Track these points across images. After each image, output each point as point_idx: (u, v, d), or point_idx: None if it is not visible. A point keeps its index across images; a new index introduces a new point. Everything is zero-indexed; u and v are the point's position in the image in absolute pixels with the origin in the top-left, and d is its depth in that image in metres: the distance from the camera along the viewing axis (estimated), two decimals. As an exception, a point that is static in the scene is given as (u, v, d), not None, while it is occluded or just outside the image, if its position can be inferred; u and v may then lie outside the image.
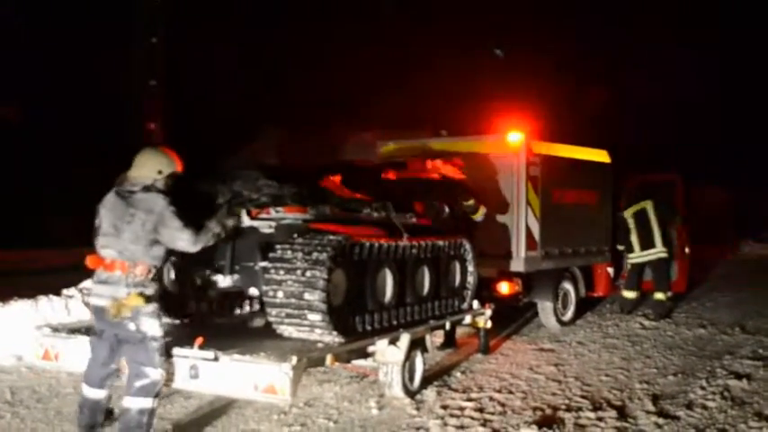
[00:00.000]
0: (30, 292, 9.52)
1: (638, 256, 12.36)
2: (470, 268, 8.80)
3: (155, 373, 5.67)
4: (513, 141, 10.29)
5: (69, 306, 9.17)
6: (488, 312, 9.01)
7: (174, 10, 16.39)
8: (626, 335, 10.92)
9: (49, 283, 10.07)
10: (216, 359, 5.89)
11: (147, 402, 5.64)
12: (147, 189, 5.69)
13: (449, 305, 8.41)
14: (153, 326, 5.70)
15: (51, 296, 9.25)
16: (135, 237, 5.59)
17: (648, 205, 12.33)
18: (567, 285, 11.54)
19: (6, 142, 18.98)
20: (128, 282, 5.60)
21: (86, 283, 9.47)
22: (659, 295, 12.33)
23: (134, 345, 5.68)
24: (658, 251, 12.24)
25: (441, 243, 8.19)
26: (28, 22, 18.17)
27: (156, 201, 5.64)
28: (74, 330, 6.78)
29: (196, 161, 6.40)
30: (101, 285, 5.70)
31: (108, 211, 5.71)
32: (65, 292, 9.64)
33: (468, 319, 8.73)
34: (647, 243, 12.26)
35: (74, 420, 6.49)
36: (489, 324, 9.15)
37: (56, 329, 6.85)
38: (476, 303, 8.87)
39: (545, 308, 11.28)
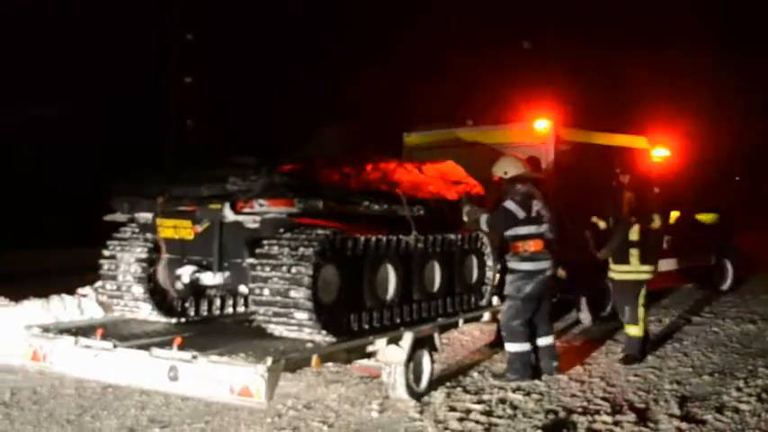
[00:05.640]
0: (46, 290, 9.44)
1: (630, 272, 8.71)
2: (489, 263, 8.39)
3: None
4: (540, 129, 9.81)
5: (83, 305, 9.04)
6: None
7: (208, 4, 16.31)
8: (667, 331, 10.33)
9: (66, 283, 9.97)
10: (193, 360, 5.62)
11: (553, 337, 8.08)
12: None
13: (463, 302, 8.01)
14: None
15: (64, 295, 9.14)
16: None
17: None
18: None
19: (44, 140, 19.18)
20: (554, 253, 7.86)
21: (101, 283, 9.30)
22: (635, 330, 8.68)
23: (546, 300, 7.96)
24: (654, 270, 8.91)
25: (453, 237, 7.79)
26: (63, 20, 18.31)
27: None
28: (63, 331, 6.60)
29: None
30: (546, 261, 7.73)
31: (538, 202, 7.76)
32: (79, 290, 9.53)
33: (486, 316, 8.29)
34: (646, 257, 8.71)
35: (64, 423, 6.36)
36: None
37: (46, 329, 6.67)
38: (495, 299, 8.44)
39: (582, 302, 10.74)
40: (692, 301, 12.74)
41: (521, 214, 7.64)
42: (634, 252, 8.60)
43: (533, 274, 7.71)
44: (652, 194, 8.96)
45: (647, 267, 8.67)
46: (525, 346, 7.74)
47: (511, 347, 7.75)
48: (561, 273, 8.91)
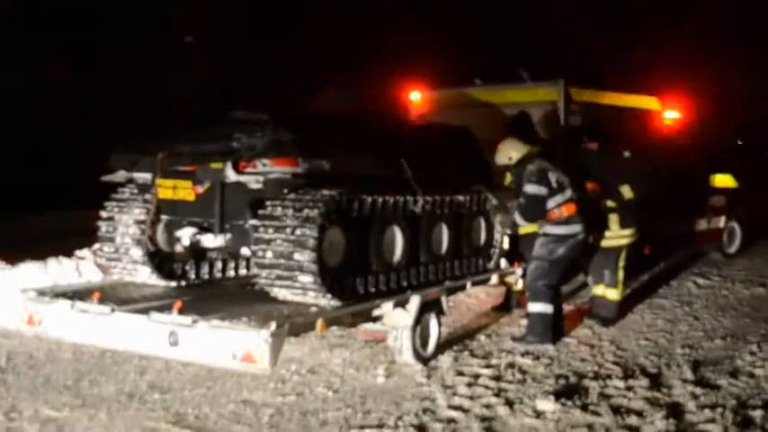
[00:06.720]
0: (45, 254, 9.22)
1: (611, 237, 8.53)
2: (497, 225, 8.19)
3: None
4: (550, 88, 9.56)
5: (81, 268, 8.85)
6: (519, 271, 8.35)
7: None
8: (676, 295, 10.16)
9: (66, 245, 9.74)
10: (194, 324, 5.44)
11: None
12: None
13: (471, 265, 7.82)
14: None
15: (61, 258, 8.94)
16: None
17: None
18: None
19: (55, 101, 18.95)
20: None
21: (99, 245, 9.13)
22: (614, 294, 8.60)
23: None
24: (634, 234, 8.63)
25: (461, 198, 7.57)
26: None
27: None
28: (59, 294, 6.41)
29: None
30: (579, 225, 7.63)
31: (553, 173, 7.63)
32: (77, 253, 9.33)
33: (494, 279, 8.11)
34: (625, 221, 8.51)
35: (61, 389, 6.18)
36: (521, 285, 8.50)
37: (41, 293, 6.48)
38: (504, 262, 8.26)
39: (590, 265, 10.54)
40: (699, 263, 12.56)
41: (543, 191, 7.55)
42: (613, 217, 8.44)
43: (566, 238, 7.61)
44: (619, 165, 8.64)
45: (627, 231, 8.48)
46: (548, 308, 7.54)
47: (533, 307, 7.56)
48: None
